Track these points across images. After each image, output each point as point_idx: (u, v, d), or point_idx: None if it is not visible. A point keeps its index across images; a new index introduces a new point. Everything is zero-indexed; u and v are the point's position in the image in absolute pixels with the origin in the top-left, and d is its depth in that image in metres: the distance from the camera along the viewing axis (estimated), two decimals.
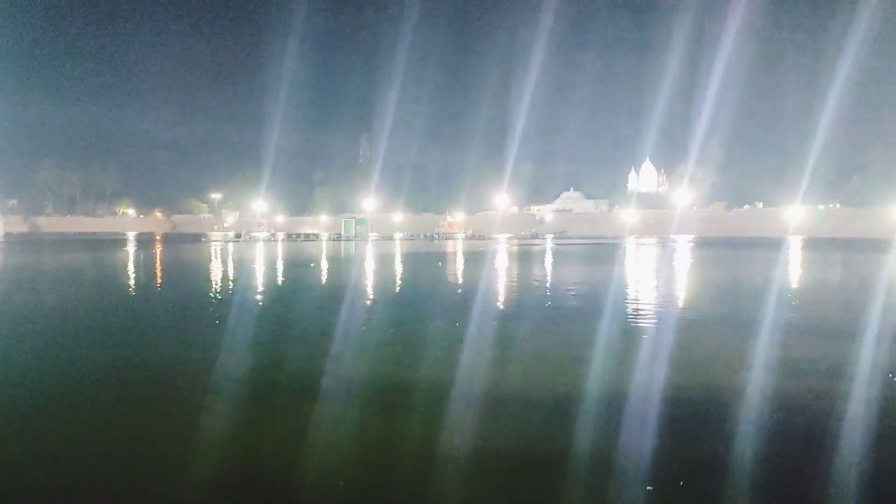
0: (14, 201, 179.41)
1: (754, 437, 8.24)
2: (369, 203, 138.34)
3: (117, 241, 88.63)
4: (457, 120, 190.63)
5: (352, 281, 31.12)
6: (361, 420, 9.10)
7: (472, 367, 12.06)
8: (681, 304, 21.91)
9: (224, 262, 45.78)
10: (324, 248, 67.60)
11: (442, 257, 51.90)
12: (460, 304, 21.22)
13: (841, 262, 47.46)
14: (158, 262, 48.33)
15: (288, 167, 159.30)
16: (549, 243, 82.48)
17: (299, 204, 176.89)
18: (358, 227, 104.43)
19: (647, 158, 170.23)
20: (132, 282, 32.05)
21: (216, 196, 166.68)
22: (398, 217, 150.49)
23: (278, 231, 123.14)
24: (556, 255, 53.98)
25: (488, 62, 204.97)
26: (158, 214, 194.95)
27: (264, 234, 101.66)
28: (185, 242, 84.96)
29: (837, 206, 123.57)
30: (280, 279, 33.17)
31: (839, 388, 10.59)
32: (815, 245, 71.07)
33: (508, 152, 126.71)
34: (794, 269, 39.76)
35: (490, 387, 10.67)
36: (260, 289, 27.44)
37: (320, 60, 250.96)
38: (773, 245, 68.13)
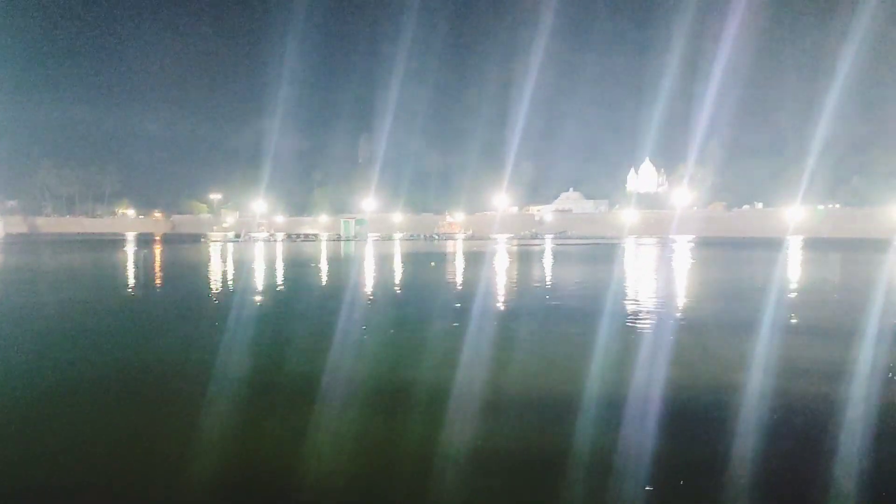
0: (13, 202, 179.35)
1: (756, 438, 8.21)
2: (369, 203, 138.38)
3: (116, 242, 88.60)
4: (456, 120, 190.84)
5: (351, 281, 31.09)
6: (361, 420, 9.08)
7: (472, 367, 12.04)
8: (681, 304, 21.89)
9: (223, 263, 45.76)
10: (323, 249, 67.59)
11: (441, 258, 51.88)
12: (460, 305, 21.18)
13: (841, 262, 47.46)
14: (157, 262, 48.29)
15: (287, 167, 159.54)
16: (548, 243, 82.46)
17: (299, 204, 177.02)
18: (357, 227, 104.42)
19: (647, 158, 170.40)
20: (131, 282, 32.01)
21: (216, 196, 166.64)
22: (398, 217, 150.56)
23: (278, 231, 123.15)
24: (556, 256, 53.98)
25: (488, 62, 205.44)
26: (158, 215, 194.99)
27: (264, 235, 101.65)
28: (184, 243, 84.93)
29: (837, 206, 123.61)
30: (279, 280, 33.13)
31: (840, 389, 10.56)
32: (815, 245, 71.06)
33: (508, 152, 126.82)
34: (793, 269, 39.75)
35: (489, 387, 10.66)
36: (259, 289, 27.41)
37: (320, 60, 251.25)
38: (772, 245, 68.13)
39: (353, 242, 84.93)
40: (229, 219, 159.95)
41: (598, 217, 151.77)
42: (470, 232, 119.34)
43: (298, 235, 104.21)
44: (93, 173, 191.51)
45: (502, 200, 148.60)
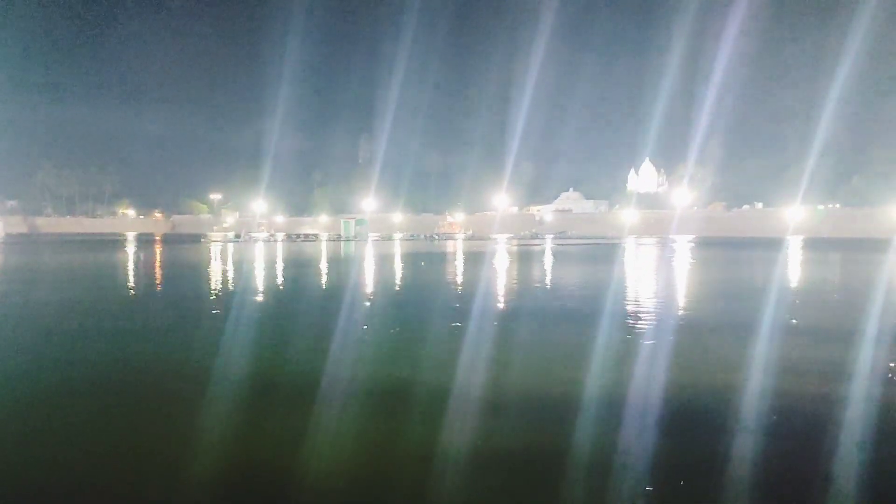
0: (13, 202, 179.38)
1: (756, 439, 8.22)
2: (369, 203, 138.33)
3: (116, 242, 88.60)
4: (456, 120, 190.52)
5: (351, 282, 31.09)
6: (361, 420, 9.08)
7: (472, 366, 12.05)
8: (681, 305, 21.89)
9: (223, 263, 45.75)
10: (323, 249, 67.59)
11: (441, 258, 51.88)
12: (461, 305, 21.19)
13: (841, 262, 47.45)
14: (157, 262, 48.29)
15: (287, 167, 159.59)
16: (548, 244, 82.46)
17: (299, 204, 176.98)
18: (357, 227, 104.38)
19: (647, 158, 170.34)
20: (131, 283, 32.01)
21: (216, 197, 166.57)
22: (398, 217, 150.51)
23: (278, 231, 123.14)
24: (556, 256, 53.97)
25: (488, 62, 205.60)
26: (158, 215, 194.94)
27: (264, 235, 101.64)
28: (184, 243, 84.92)
29: (837, 206, 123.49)
30: (279, 280, 33.13)
31: (841, 389, 10.56)
32: (815, 245, 71.05)
33: (508, 152, 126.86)
34: (793, 269, 39.74)
35: (488, 387, 10.66)
36: (259, 290, 27.41)
37: (320, 61, 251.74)
38: (772, 245, 68.11)
39: (353, 242, 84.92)
40: (229, 219, 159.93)
41: (598, 217, 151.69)
42: (470, 232, 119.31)
43: (298, 236, 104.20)
44: (93, 173, 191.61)
45: (502, 200, 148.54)
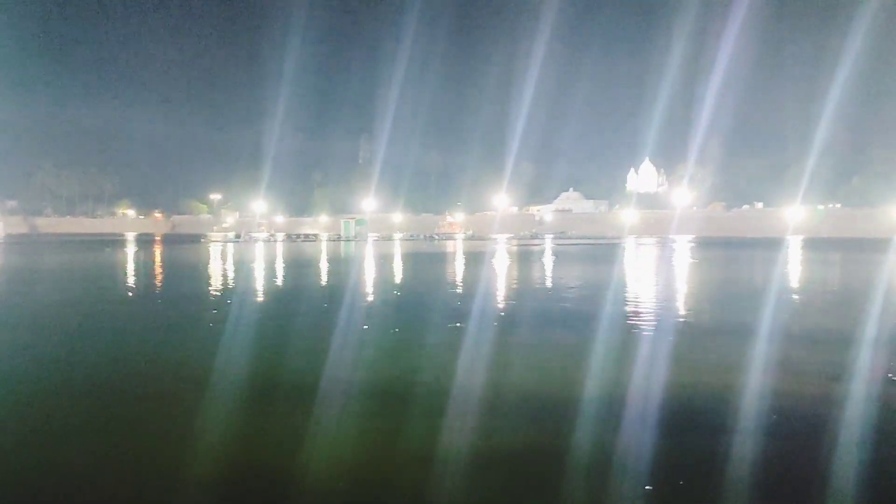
0: (14, 202, 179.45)
1: (757, 439, 8.23)
2: (369, 203, 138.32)
3: (116, 242, 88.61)
4: (456, 120, 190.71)
5: (350, 282, 31.10)
6: (361, 420, 9.09)
7: (472, 366, 12.05)
8: (681, 305, 21.89)
9: (223, 263, 45.76)
10: (323, 249, 67.60)
11: (441, 258, 51.88)
12: (461, 305, 21.20)
13: (840, 262, 47.45)
14: (157, 262, 48.30)
15: (287, 168, 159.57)
16: (548, 243, 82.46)
17: (299, 204, 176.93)
18: (357, 227, 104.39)
19: (647, 158, 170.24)
20: (131, 283, 32.02)
21: (216, 197, 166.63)
22: (398, 217, 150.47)
23: (278, 231, 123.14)
24: (556, 256, 53.98)
25: (488, 62, 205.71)
26: (158, 215, 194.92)
27: (264, 235, 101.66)
28: (184, 243, 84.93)
29: (837, 206, 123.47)
30: (279, 280, 33.14)
31: (842, 389, 10.57)
32: (815, 245, 71.05)
33: (508, 152, 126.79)
34: (793, 269, 39.74)
35: (488, 387, 10.67)
36: (259, 290, 27.43)
37: (320, 61, 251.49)
38: (772, 245, 68.10)
39: (353, 243, 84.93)
40: (229, 219, 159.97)
41: (598, 217, 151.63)
42: (470, 232, 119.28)
43: (298, 236, 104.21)
44: (93, 173, 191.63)
45: (502, 200, 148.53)
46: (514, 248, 67.44)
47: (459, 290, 26.75)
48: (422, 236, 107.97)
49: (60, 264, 47.02)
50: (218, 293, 26.53)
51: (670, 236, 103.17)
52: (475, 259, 49.11)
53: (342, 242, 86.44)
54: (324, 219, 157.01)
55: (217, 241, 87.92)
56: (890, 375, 11.34)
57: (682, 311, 20.03)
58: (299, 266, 43.13)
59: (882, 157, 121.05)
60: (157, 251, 65.83)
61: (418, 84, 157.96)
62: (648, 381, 10.98)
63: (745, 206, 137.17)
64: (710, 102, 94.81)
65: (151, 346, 14.68)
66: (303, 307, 21.85)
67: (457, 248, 67.99)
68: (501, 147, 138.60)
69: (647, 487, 6.88)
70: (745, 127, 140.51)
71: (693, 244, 77.05)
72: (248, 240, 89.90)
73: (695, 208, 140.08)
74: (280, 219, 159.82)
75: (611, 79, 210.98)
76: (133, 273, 38.18)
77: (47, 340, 15.58)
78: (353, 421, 9.06)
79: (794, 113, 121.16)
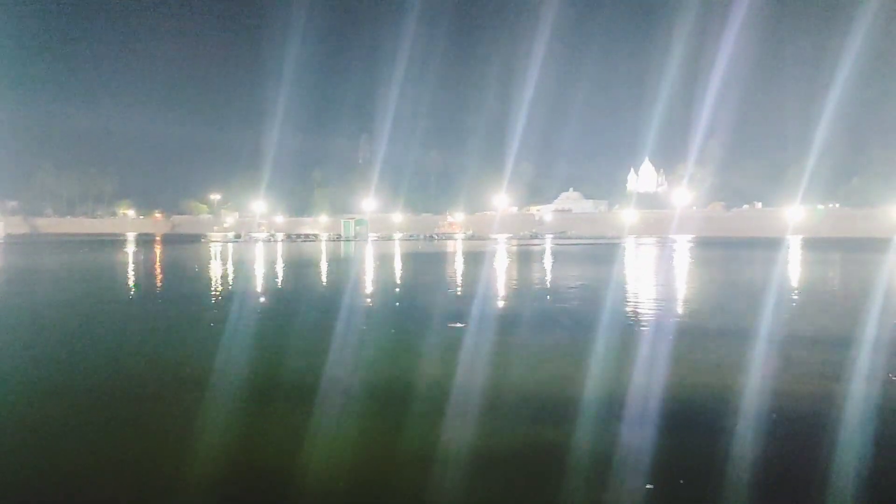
0: (14, 203, 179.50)
1: (759, 438, 8.24)
2: (369, 203, 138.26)
3: (116, 242, 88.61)
4: (456, 120, 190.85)
5: (350, 282, 31.11)
6: (360, 420, 9.10)
7: (472, 366, 12.06)
8: (681, 305, 21.90)
9: (223, 264, 45.77)
10: (323, 249, 67.60)
11: (441, 258, 51.89)
12: (461, 305, 21.20)
13: (840, 262, 47.45)
14: (157, 263, 48.30)
15: (287, 168, 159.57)
16: (548, 243, 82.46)
17: (299, 204, 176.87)
18: (357, 227, 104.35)
19: (647, 158, 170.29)
20: (131, 283, 32.03)
21: (216, 197, 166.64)
22: (398, 217, 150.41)
23: (278, 231, 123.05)
24: (556, 256, 53.99)
25: (488, 62, 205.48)
26: (158, 215, 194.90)
27: (264, 235, 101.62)
28: (184, 243, 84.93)
29: (837, 206, 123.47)
30: (278, 281, 33.15)
31: (841, 389, 10.58)
32: (815, 245, 71.05)
33: (508, 152, 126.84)
34: (793, 269, 39.75)
35: (487, 386, 10.68)
36: (259, 290, 27.44)
37: (320, 61, 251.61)
38: (772, 245, 68.10)
39: (353, 243, 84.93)
40: (229, 219, 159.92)
41: (598, 217, 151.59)
42: (470, 232, 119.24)
43: (298, 236, 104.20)
44: (93, 174, 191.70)
45: (502, 200, 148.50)
46: (514, 248, 67.45)
47: (459, 291, 26.76)
48: (422, 236, 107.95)
49: (61, 264, 47.03)
50: (218, 293, 26.54)
51: (670, 236, 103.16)
52: (475, 259, 49.11)
53: (342, 242, 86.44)
54: (324, 219, 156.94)
55: (217, 242, 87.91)
56: (890, 375, 11.35)
57: (681, 311, 20.04)
58: (299, 266, 43.13)
59: (882, 157, 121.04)
60: (157, 251, 65.83)
61: (418, 84, 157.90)
62: (648, 380, 10.99)
63: (745, 206, 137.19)
64: (709, 102, 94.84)
65: (151, 346, 14.69)
66: (303, 307, 21.86)
67: (457, 249, 67.99)
68: (501, 147, 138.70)
69: (647, 487, 6.89)
70: (744, 127, 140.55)
71: (693, 244, 77.07)
72: (248, 240, 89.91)
73: (694, 208, 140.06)
74: (280, 219, 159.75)
75: (610, 79, 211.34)
76: (133, 273, 38.18)
77: (47, 340, 15.59)
78: (352, 421, 9.07)
79: (794, 113, 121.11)
